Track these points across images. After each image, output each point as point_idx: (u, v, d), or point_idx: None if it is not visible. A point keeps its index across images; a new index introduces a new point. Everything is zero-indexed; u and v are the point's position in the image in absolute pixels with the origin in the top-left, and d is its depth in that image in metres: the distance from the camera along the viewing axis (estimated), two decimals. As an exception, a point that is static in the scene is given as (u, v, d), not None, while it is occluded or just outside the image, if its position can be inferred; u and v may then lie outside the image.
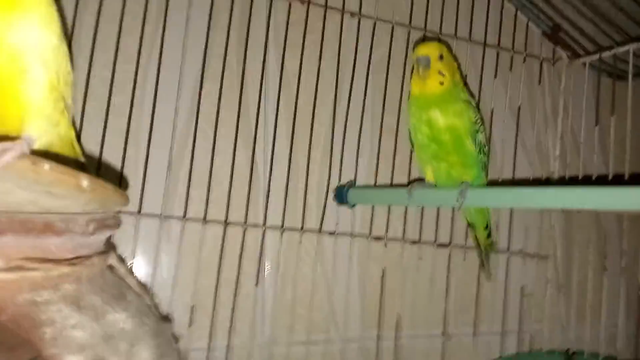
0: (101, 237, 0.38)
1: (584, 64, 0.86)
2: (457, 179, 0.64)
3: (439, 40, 0.76)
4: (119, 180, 0.62)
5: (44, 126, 0.31)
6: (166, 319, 0.53)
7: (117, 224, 0.39)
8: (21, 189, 0.29)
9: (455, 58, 0.69)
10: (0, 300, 0.30)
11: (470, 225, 0.73)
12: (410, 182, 0.72)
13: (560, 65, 0.89)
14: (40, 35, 0.29)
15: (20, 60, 0.29)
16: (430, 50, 0.62)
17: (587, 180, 0.81)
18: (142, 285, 0.46)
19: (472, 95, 0.71)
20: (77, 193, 0.32)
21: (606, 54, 0.82)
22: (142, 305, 0.42)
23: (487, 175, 0.68)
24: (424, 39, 0.80)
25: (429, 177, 0.66)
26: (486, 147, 0.65)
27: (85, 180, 0.32)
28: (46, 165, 0.29)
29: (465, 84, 0.71)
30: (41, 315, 0.31)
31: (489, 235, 0.71)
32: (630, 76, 0.74)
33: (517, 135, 0.85)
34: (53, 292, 0.33)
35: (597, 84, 0.85)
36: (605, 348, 0.73)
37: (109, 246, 0.41)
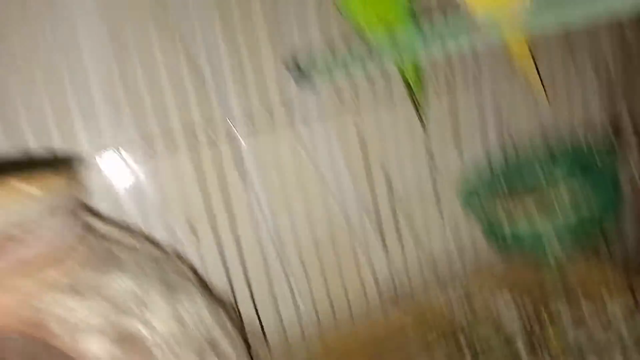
0: (71, 220, 0.38)
1: None
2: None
3: None
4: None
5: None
6: (164, 251, 0.55)
7: (80, 203, 0.39)
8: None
9: None
10: (7, 324, 0.32)
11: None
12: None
13: None
14: None
15: None
16: None
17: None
18: (133, 234, 0.47)
19: None
20: (30, 201, 0.32)
21: None
22: (138, 256, 0.44)
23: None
24: None
25: None
26: None
27: (33, 187, 0.31)
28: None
29: None
30: (44, 315, 0.33)
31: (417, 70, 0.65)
32: None
33: None
34: (47, 291, 0.34)
35: None
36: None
37: (81, 212, 0.41)
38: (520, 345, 0.59)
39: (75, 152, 0.60)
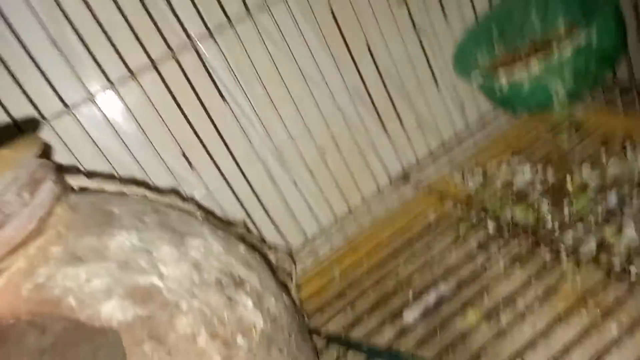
0: (45, 187, 0.35)
1: None
2: None
3: None
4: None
5: None
6: (158, 190, 0.52)
7: (51, 169, 0.36)
8: None
9: None
10: (10, 305, 0.30)
11: None
12: None
13: None
14: None
15: None
16: None
17: None
18: (121, 181, 0.44)
19: None
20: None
21: None
22: (134, 205, 0.41)
23: None
24: None
25: None
26: None
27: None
28: None
29: None
30: (55, 291, 0.31)
31: None
32: None
33: None
34: (45, 264, 0.32)
35: None
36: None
37: (55, 173, 0.38)
38: (545, 211, 0.58)
39: (30, 113, 0.56)
